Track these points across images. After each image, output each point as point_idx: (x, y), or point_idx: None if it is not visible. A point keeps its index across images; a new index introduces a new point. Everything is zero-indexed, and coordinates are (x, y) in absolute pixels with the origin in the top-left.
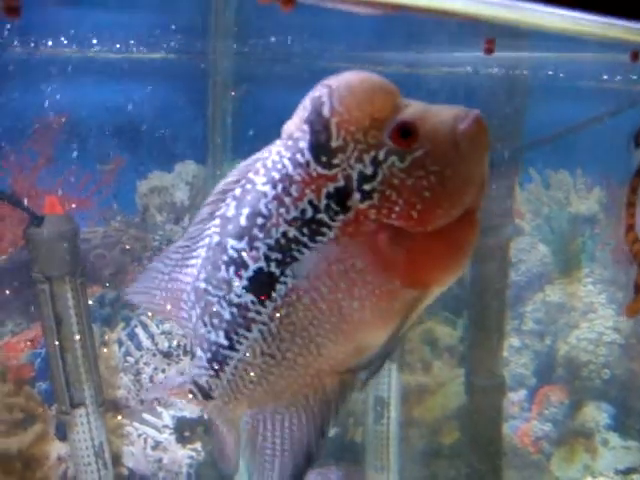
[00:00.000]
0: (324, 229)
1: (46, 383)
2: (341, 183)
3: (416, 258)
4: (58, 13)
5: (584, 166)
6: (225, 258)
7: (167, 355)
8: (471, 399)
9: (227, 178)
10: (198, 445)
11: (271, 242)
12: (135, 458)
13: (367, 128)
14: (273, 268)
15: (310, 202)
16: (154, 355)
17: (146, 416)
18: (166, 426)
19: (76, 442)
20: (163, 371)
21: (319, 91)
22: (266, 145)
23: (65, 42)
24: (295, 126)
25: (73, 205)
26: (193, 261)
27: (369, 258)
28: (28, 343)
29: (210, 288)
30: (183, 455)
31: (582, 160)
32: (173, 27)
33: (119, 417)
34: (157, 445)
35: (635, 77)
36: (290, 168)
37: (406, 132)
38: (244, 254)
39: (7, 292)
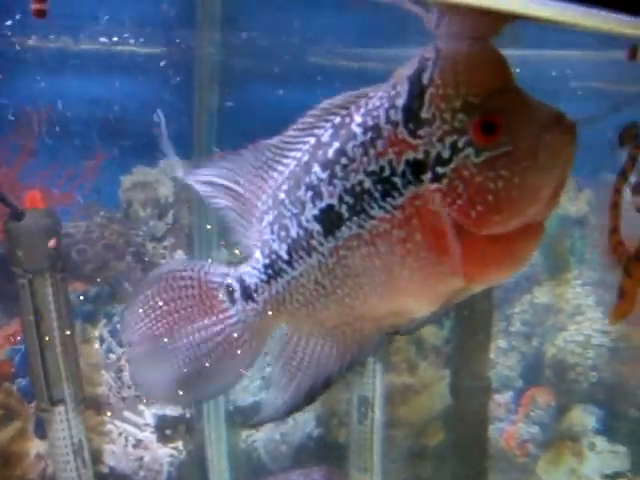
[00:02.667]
0: (395, 193)
1: (25, 379)
2: (420, 156)
3: (469, 253)
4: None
5: (574, 167)
6: (307, 180)
7: None
8: (456, 400)
9: (332, 99)
10: (179, 444)
11: (347, 185)
12: (116, 456)
13: (457, 110)
14: (343, 210)
15: (389, 162)
16: None
17: (127, 414)
18: (147, 424)
19: (55, 440)
20: None
21: (429, 52)
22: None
23: (49, 34)
24: (401, 77)
25: (55, 200)
26: (281, 167)
27: (427, 236)
28: (7, 339)
29: (287, 202)
30: (164, 454)
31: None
32: (159, 20)
33: (100, 415)
34: (138, 443)
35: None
36: (382, 121)
37: (488, 127)
38: (322, 185)
39: None
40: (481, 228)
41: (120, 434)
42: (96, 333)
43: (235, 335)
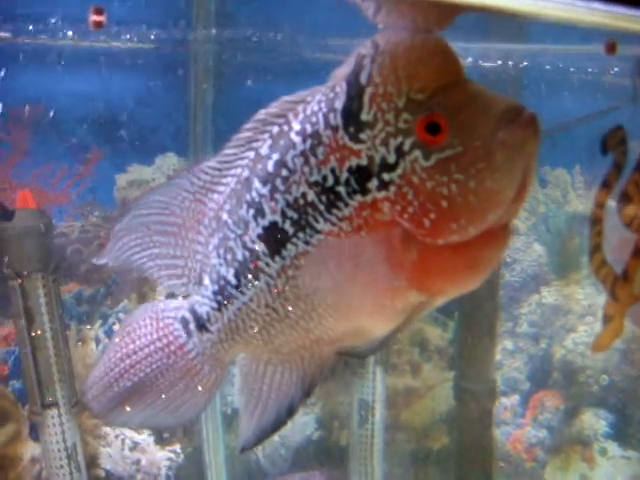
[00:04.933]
0: (340, 204)
1: (20, 382)
2: (364, 162)
3: (426, 264)
4: (33, 1)
5: (582, 164)
6: (248, 198)
7: None
8: (460, 403)
9: (269, 107)
10: (177, 447)
11: (290, 199)
12: (112, 459)
13: (400, 109)
14: (287, 226)
15: (332, 170)
16: None
17: None
18: None
19: (48, 444)
20: None
21: (366, 48)
22: None
23: (41, 30)
24: (339, 77)
25: (49, 199)
26: (221, 188)
27: (379, 249)
28: (2, 340)
29: (230, 222)
30: (161, 457)
31: (580, 158)
32: (154, 17)
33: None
34: (135, 446)
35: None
36: (322, 126)
37: (434, 126)
38: (264, 201)
39: None
40: (437, 238)
41: (116, 437)
42: (91, 334)
43: (195, 369)
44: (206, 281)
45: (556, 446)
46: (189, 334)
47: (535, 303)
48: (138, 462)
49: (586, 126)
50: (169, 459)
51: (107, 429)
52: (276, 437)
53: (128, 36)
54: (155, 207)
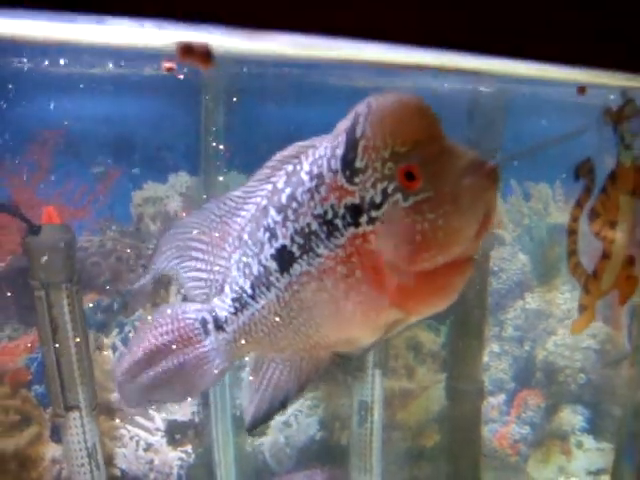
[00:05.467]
0: (337, 234)
1: (42, 386)
2: (357, 201)
3: (404, 287)
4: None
5: (563, 178)
6: (265, 223)
7: None
8: (452, 403)
9: (285, 150)
10: (188, 447)
11: (298, 227)
12: (127, 459)
13: (385, 159)
14: (294, 249)
15: (332, 206)
16: None
17: (138, 419)
18: (158, 429)
19: (70, 444)
20: None
21: (362, 107)
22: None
23: (64, 57)
24: (341, 129)
25: (70, 215)
26: (244, 213)
27: (366, 273)
28: (25, 348)
29: (250, 242)
30: (173, 457)
31: (561, 173)
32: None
33: (112, 420)
34: (149, 447)
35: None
36: (325, 169)
37: (411, 175)
38: (277, 227)
39: (5, 298)
40: (411, 265)
41: (131, 438)
42: (108, 342)
43: (208, 360)
44: (227, 290)
45: (537, 441)
46: (207, 332)
47: (520, 308)
48: (151, 462)
49: (565, 145)
50: (181, 459)
51: (122, 431)
52: (282, 438)
53: (144, 62)
54: (190, 227)
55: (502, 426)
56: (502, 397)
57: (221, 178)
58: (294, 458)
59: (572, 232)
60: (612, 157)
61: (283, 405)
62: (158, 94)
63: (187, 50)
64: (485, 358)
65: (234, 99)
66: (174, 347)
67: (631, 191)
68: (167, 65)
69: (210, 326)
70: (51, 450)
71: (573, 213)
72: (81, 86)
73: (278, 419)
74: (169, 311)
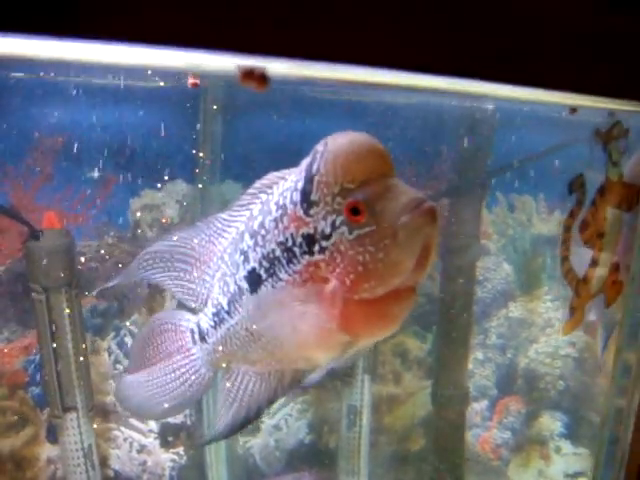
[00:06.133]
0: (295, 260)
1: (38, 388)
2: (311, 231)
3: (347, 314)
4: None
5: (546, 191)
6: (240, 247)
7: None
8: (437, 409)
9: (263, 179)
10: (180, 449)
11: (264, 252)
12: (121, 461)
13: (335, 194)
14: (262, 272)
15: (291, 235)
16: None
17: (132, 421)
18: (151, 431)
19: (67, 444)
20: None
21: (320, 145)
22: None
23: (65, 68)
24: (304, 164)
25: (69, 220)
26: (227, 235)
27: (317, 298)
28: (23, 350)
29: (229, 263)
30: (166, 458)
31: (544, 186)
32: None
33: (107, 422)
34: (142, 449)
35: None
36: (288, 200)
37: (356, 210)
38: (249, 251)
39: (4, 302)
40: (353, 293)
41: (125, 440)
42: (105, 345)
43: (197, 369)
44: (209, 304)
45: (518, 446)
46: (194, 342)
47: (503, 317)
48: (144, 463)
49: (548, 159)
50: (173, 460)
51: (117, 433)
52: (272, 441)
53: (143, 74)
54: (180, 242)
55: (485, 431)
56: (485, 403)
57: (217, 187)
58: (283, 460)
59: (565, 240)
60: (601, 173)
61: (258, 415)
62: (157, 104)
63: (248, 74)
64: (470, 365)
65: (231, 109)
66: (172, 354)
67: (617, 204)
68: (192, 81)
69: (196, 336)
70: (46, 450)
71: (566, 223)
72: (81, 95)
73: (268, 422)
74: (168, 316)
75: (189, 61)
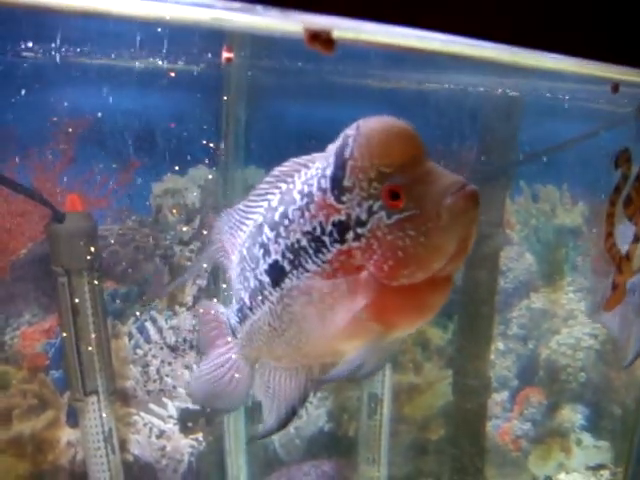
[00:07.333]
0: (324, 250)
1: (59, 372)
2: (343, 218)
3: (382, 303)
4: (83, 21)
5: (570, 182)
6: (260, 240)
7: (174, 349)
8: (458, 398)
9: (282, 166)
10: (200, 435)
11: (288, 243)
12: (140, 445)
13: (372, 179)
14: (285, 264)
15: (320, 223)
16: (161, 348)
17: (152, 406)
18: (170, 416)
19: (87, 428)
20: (169, 364)
21: (350, 130)
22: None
23: (89, 49)
24: (331, 150)
25: (91, 204)
26: (244, 228)
27: (350, 288)
28: (43, 333)
29: (248, 258)
30: (185, 444)
31: (568, 176)
32: (190, 38)
33: (127, 406)
34: (161, 434)
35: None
36: (315, 188)
37: (395, 194)
38: (270, 244)
39: (26, 285)
40: (392, 280)
41: (145, 425)
42: (125, 329)
43: (237, 362)
44: (234, 300)
45: (538, 437)
46: (229, 334)
47: (525, 307)
48: (163, 448)
49: (573, 149)
50: (192, 446)
51: (136, 418)
52: (291, 428)
53: (167, 57)
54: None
55: (505, 422)
56: (505, 394)
57: (240, 172)
58: (303, 448)
59: (610, 215)
60: None
61: (293, 413)
62: (181, 88)
63: (314, 36)
64: (491, 356)
65: (255, 94)
66: (217, 338)
67: None
68: (226, 55)
69: (230, 330)
70: (66, 434)
71: (612, 198)
72: (104, 78)
73: None
74: (212, 305)
75: (214, 15)
